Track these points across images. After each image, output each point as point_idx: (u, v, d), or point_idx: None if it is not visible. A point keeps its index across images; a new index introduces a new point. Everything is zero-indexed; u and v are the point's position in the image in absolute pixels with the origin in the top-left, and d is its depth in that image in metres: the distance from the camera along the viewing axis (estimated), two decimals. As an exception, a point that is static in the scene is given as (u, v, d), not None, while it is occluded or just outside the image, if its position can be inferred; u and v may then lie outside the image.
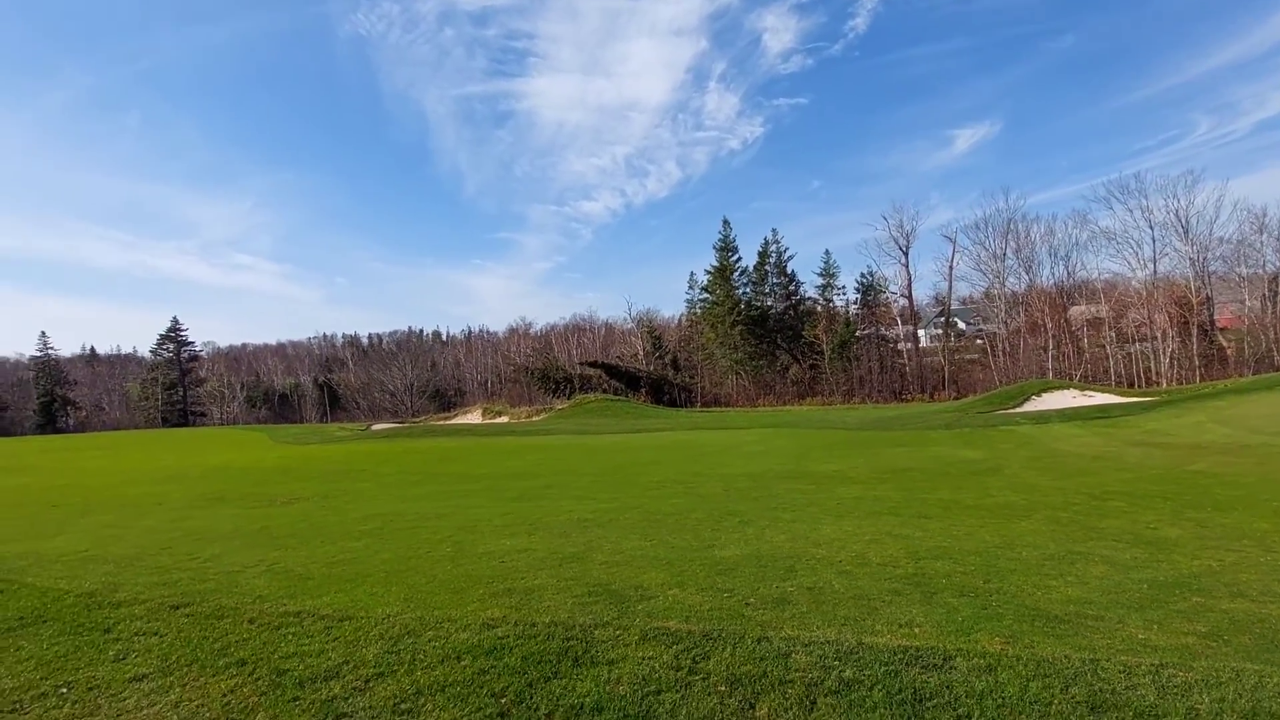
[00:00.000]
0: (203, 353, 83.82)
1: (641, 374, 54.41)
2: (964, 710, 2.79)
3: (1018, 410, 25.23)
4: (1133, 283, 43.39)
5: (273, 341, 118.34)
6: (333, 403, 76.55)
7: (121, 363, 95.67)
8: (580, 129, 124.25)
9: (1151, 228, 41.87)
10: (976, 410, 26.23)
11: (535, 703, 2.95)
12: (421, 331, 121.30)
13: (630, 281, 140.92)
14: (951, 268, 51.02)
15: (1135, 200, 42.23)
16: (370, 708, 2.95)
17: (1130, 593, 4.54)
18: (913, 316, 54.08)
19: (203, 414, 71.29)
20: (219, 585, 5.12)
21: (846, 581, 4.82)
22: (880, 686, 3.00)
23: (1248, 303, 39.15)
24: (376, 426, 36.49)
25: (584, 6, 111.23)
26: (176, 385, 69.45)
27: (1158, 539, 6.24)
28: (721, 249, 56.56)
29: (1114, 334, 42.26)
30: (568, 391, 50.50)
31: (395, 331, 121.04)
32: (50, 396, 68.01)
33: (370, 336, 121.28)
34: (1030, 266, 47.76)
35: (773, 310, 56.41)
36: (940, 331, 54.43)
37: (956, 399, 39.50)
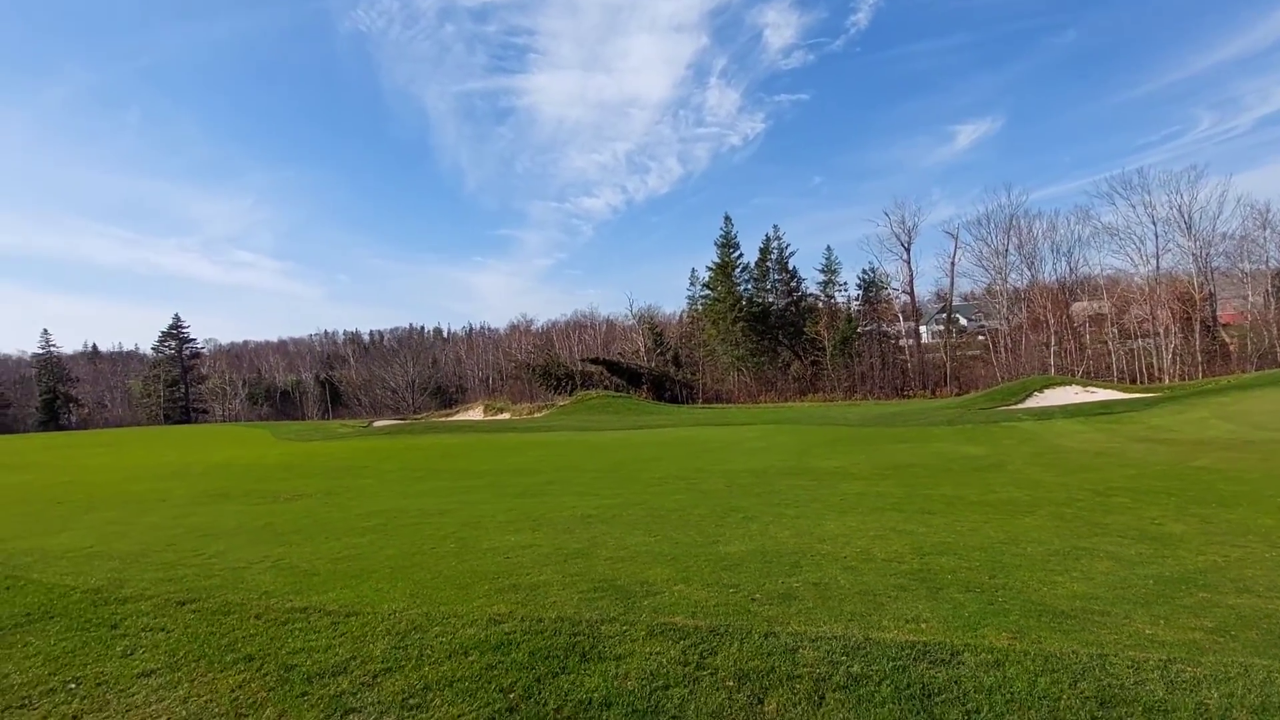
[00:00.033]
0: (204, 350, 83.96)
1: (643, 370, 54.43)
2: (973, 705, 2.79)
3: (1020, 406, 25.20)
4: (1135, 279, 43.33)
5: (274, 338, 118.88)
6: (334, 400, 76.64)
7: (123, 360, 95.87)
8: (581, 125, 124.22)
9: (1154, 223, 41.80)
10: (979, 406, 26.21)
11: (544, 698, 2.95)
12: (423, 328, 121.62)
13: (631, 278, 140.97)
14: (953, 264, 50.94)
15: (1138, 196, 42.18)
16: (379, 703, 2.96)
17: (1136, 588, 4.53)
18: (914, 313, 53.99)
19: (205, 411, 71.43)
20: (224, 581, 5.13)
21: (852, 577, 4.82)
22: (888, 682, 3.00)
23: (1251, 298, 39.07)
24: (378, 423, 36.57)
25: (584, 2, 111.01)
26: (178, 382, 69.57)
27: (1162, 534, 6.23)
28: (723, 245, 56.48)
29: (1116, 330, 42.17)
30: (569, 388, 50.56)
31: (396, 328, 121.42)
32: (53, 394, 68.14)
33: (371, 333, 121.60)
34: (1032, 262, 47.69)
35: (774, 307, 56.36)
36: (942, 328, 54.34)
37: (958, 395, 39.46)
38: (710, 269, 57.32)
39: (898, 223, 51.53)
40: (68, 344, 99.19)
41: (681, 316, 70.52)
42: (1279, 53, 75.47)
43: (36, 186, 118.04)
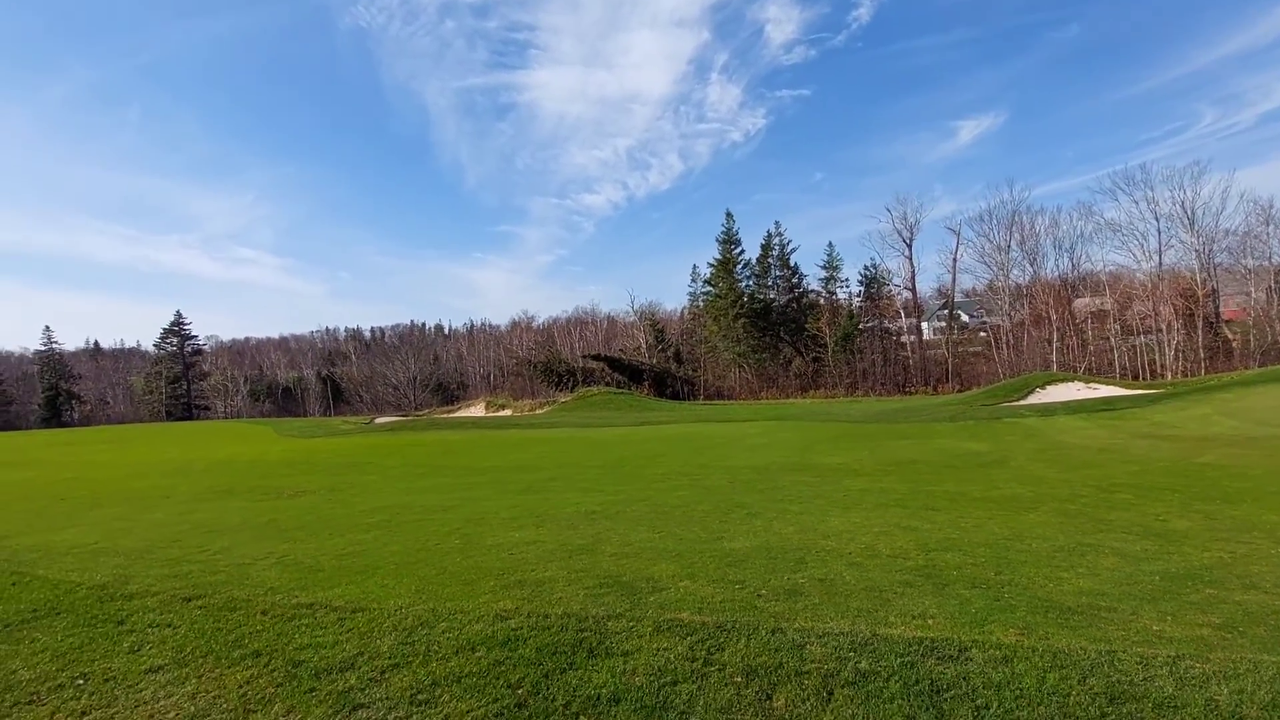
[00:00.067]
0: (206, 346, 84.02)
1: (644, 367, 54.43)
2: (982, 701, 2.78)
3: (1022, 403, 25.18)
4: (1138, 275, 43.24)
5: (275, 335, 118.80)
6: (336, 396, 76.74)
7: (125, 357, 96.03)
8: (582, 121, 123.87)
9: (1157, 219, 41.71)
10: (981, 403, 26.18)
11: (552, 693, 2.95)
12: (424, 325, 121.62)
13: (632, 274, 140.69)
14: (955, 260, 50.83)
15: (1141, 192, 42.06)
16: (387, 698, 2.96)
17: (1142, 584, 4.53)
18: (916, 309, 53.90)
19: (206, 407, 71.56)
20: (230, 577, 5.14)
21: (857, 573, 4.81)
22: (897, 678, 3.00)
23: (1254, 295, 38.94)
24: (380, 420, 36.62)
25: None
26: (180, 379, 69.68)
27: (1167, 531, 6.22)
28: (724, 241, 56.38)
29: (1119, 326, 42.07)
30: (570, 385, 50.55)
31: (398, 325, 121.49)
32: (55, 390, 68.27)
33: (373, 330, 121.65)
34: (1035, 259, 47.60)
35: (776, 303, 56.29)
36: (944, 324, 54.23)
37: (960, 392, 39.42)
38: (712, 265, 57.25)
39: (900, 219, 51.47)
40: (70, 341, 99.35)
41: (683, 313, 70.50)
42: (1283, 48, 75.03)
43: (37, 184, 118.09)
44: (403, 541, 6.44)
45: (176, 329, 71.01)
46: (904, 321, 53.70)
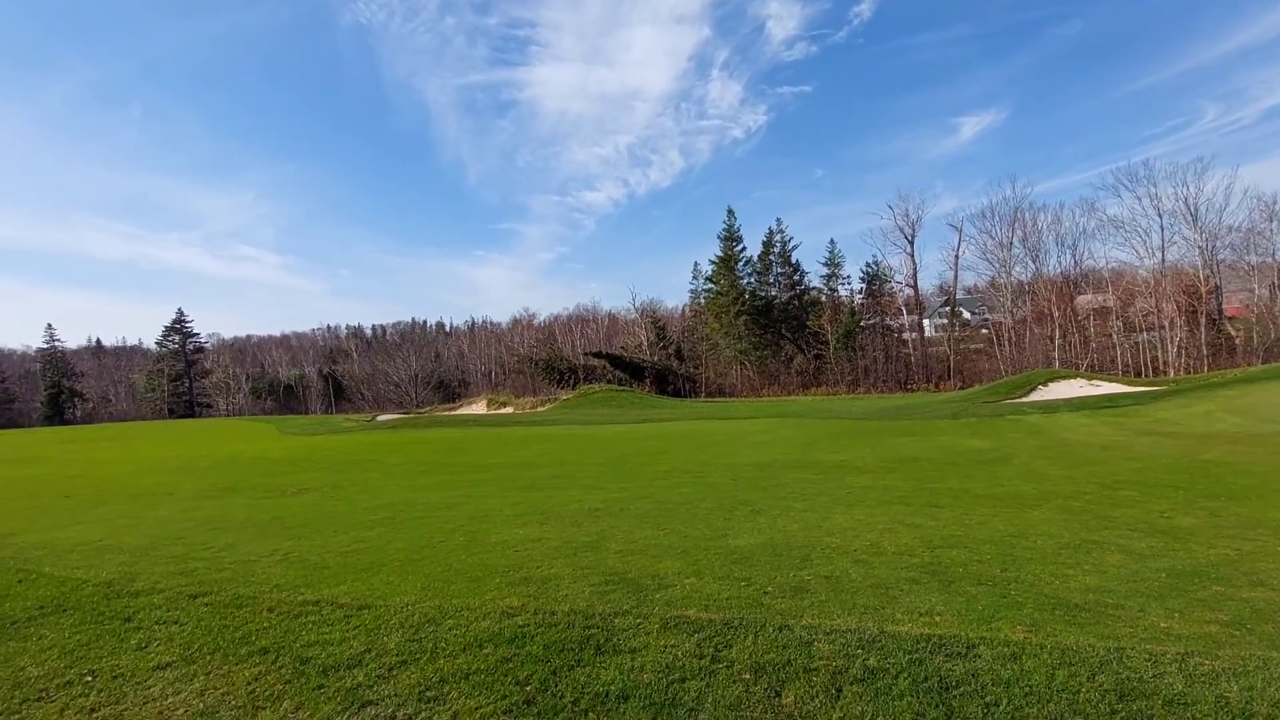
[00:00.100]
0: (208, 344, 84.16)
1: (646, 364, 54.45)
2: (992, 698, 2.78)
3: (1024, 400, 25.16)
4: (1140, 271, 43.18)
5: (277, 333, 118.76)
6: (337, 394, 76.83)
7: (127, 354, 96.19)
8: (582, 118, 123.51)
9: (1160, 216, 41.64)
10: (983, 400, 26.15)
11: (560, 690, 2.95)
12: (425, 322, 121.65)
13: (633, 272, 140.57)
14: (957, 257, 50.82)
15: (1144, 188, 42.00)
16: (396, 695, 2.96)
17: (1149, 581, 4.52)
18: (918, 306, 53.85)
19: (208, 405, 71.66)
20: (235, 574, 5.14)
21: (863, 570, 4.81)
22: (906, 675, 2.99)
23: (1257, 291, 38.88)
24: (382, 417, 36.66)
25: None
26: (182, 377, 69.79)
27: (1172, 528, 6.21)
28: (726, 239, 56.35)
29: (1121, 323, 42.02)
30: (572, 382, 50.58)
31: (399, 322, 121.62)
32: (57, 388, 68.41)
33: (374, 328, 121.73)
34: (1037, 255, 47.59)
35: (777, 300, 56.28)
36: (945, 321, 54.18)
37: (962, 389, 39.39)
38: (713, 262, 57.24)
39: (901, 216, 51.47)
40: (72, 339, 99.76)
41: (684, 310, 70.46)
42: (1287, 43, 74.67)
43: (39, 182, 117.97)
44: (407, 539, 6.44)
45: (178, 327, 71.11)
46: (906, 319, 53.67)
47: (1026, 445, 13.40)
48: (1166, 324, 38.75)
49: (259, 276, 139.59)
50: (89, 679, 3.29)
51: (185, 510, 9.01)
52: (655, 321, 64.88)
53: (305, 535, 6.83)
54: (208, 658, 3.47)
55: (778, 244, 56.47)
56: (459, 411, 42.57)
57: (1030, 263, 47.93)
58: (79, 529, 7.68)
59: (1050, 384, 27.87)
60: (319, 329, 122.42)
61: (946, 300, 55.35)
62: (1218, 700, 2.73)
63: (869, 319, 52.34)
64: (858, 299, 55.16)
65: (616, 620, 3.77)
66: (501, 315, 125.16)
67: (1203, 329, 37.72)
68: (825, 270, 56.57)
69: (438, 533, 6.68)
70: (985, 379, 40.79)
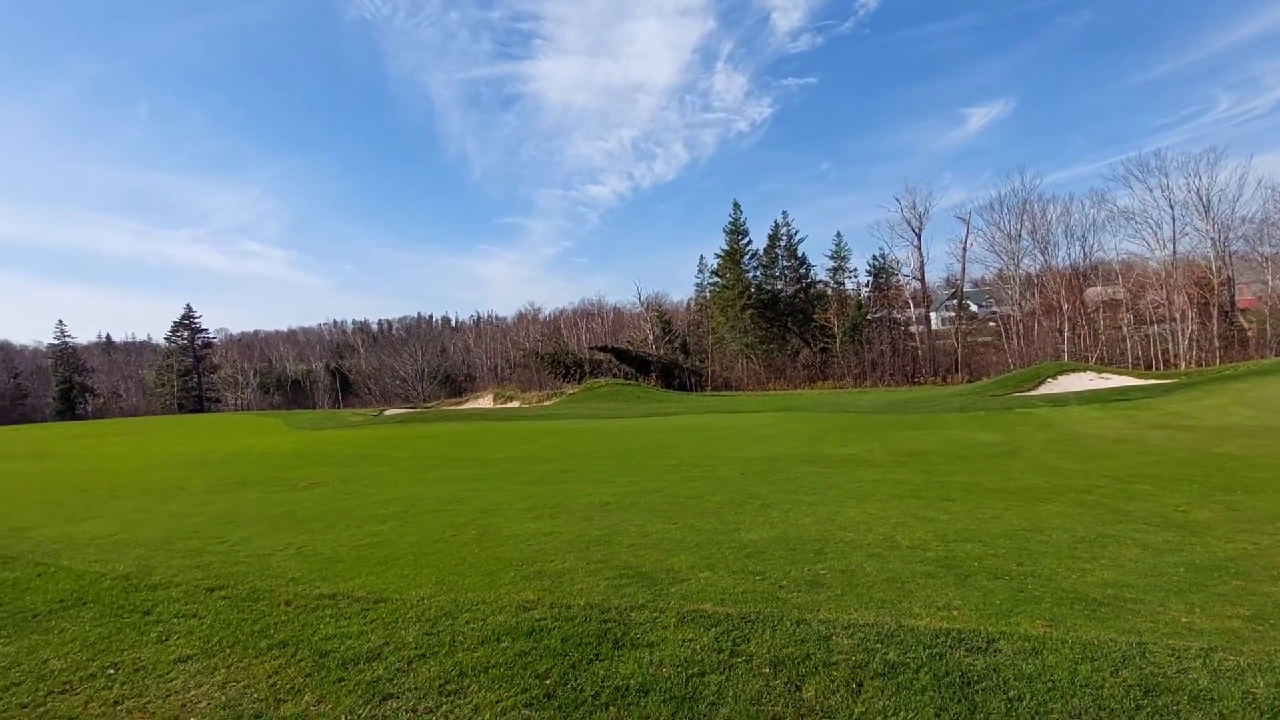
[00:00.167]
0: (216, 339, 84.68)
1: (651, 358, 54.40)
2: (1014, 693, 2.76)
3: (1034, 393, 25.00)
4: (1151, 263, 42.71)
5: (284, 328, 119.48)
6: (344, 388, 77.22)
7: (137, 350, 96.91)
8: (587, 112, 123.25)
9: (1171, 207, 41.08)
10: (991, 393, 26.02)
11: (580, 684, 2.95)
12: (431, 317, 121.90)
13: (639, 266, 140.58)
14: (965, 249, 50.41)
15: (1155, 179, 41.42)
16: (416, 688, 2.97)
17: (1168, 576, 4.48)
18: (925, 299, 53.53)
19: (217, 400, 72.18)
20: (251, 568, 5.18)
21: (878, 564, 4.79)
22: (926, 669, 2.98)
23: (1270, 283, 38.33)
24: (389, 412, 36.80)
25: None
26: (191, 372, 70.28)
27: (1188, 522, 6.16)
28: (732, 232, 56.13)
29: (1131, 316, 41.65)
30: (578, 376, 50.60)
31: (405, 317, 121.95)
32: (69, 384, 69.04)
33: (380, 323, 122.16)
34: (1046, 247, 47.10)
35: (783, 293, 56.09)
36: (953, 314, 53.87)
37: (970, 382, 39.19)
38: (719, 256, 57.06)
39: (908, 208, 51.01)
40: (83, 334, 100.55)
41: (690, 304, 70.35)
42: (1302, 31, 73.44)
43: (47, 180, 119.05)
44: (419, 532, 6.46)
45: (187, 322, 71.56)
46: (912, 311, 53.33)
47: (1037, 439, 13.33)
48: (1178, 316, 38.38)
49: (265, 272, 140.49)
50: (111, 671, 3.32)
51: (198, 504, 9.08)
52: (661, 315, 64.80)
53: (318, 529, 6.86)
54: (228, 651, 3.50)
55: (784, 237, 56.24)
56: (466, 406, 42.70)
57: (1039, 255, 47.49)
58: (94, 523, 7.75)
59: (1060, 377, 27.67)
60: (325, 324, 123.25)
61: (954, 293, 55.03)
62: (1244, 696, 2.70)
63: (875, 312, 52.05)
64: (864, 292, 54.87)
65: (633, 614, 3.77)
66: (507, 310, 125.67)
67: (1215, 321, 37.33)
68: (831, 263, 56.32)
69: (450, 526, 6.70)
70: (993, 372, 40.56)
